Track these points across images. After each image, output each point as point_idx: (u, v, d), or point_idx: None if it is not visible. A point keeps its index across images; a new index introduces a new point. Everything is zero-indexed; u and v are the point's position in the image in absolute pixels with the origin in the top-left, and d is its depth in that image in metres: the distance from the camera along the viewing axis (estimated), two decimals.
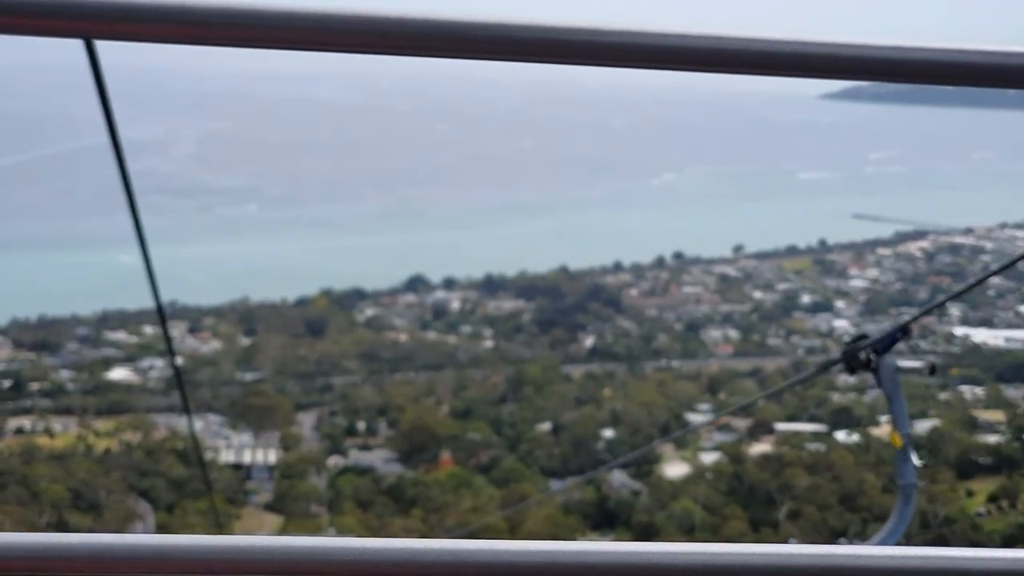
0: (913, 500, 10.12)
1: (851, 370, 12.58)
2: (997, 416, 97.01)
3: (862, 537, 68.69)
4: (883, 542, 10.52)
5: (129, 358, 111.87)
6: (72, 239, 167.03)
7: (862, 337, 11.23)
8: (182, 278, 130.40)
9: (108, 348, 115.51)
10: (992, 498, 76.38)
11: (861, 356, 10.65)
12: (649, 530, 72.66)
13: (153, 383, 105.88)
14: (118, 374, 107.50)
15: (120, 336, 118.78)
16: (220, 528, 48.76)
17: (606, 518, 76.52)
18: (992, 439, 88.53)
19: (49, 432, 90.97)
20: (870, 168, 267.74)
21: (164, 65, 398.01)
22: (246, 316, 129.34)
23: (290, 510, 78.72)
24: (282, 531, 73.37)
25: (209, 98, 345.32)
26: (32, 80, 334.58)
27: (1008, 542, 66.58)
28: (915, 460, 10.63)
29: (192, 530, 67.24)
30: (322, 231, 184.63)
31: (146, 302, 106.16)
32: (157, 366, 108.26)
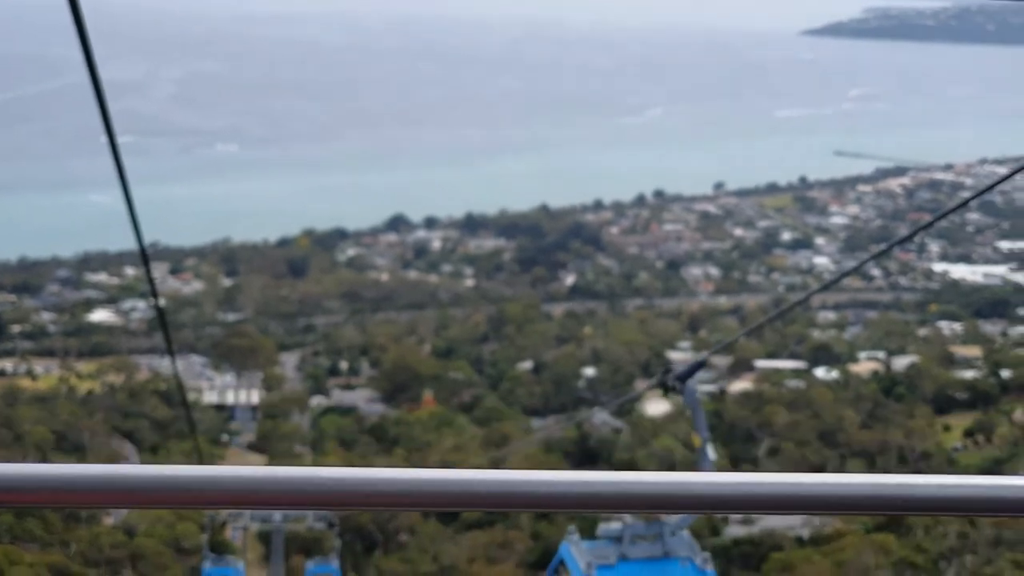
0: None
1: (665, 391, 14.44)
2: (974, 351, 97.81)
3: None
4: (682, 524, 11.14)
5: (111, 300, 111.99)
6: (53, 181, 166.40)
7: (668, 371, 12.56)
8: (163, 219, 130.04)
9: (89, 290, 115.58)
10: (968, 433, 77.23)
11: (669, 382, 11.83)
12: (631, 468, 73.28)
13: (135, 324, 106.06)
14: (100, 316, 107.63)
15: (101, 278, 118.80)
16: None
17: (587, 456, 77.06)
18: (969, 374, 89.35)
19: (32, 374, 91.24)
20: (850, 105, 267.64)
21: (145, 5, 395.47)
22: (228, 257, 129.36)
23: (273, 450, 79.17)
24: None
25: (191, 39, 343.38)
26: (11, 20, 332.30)
27: (983, 475, 67.24)
28: (711, 455, 11.31)
29: None
30: (304, 171, 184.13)
31: (127, 243, 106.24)
32: (139, 308, 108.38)
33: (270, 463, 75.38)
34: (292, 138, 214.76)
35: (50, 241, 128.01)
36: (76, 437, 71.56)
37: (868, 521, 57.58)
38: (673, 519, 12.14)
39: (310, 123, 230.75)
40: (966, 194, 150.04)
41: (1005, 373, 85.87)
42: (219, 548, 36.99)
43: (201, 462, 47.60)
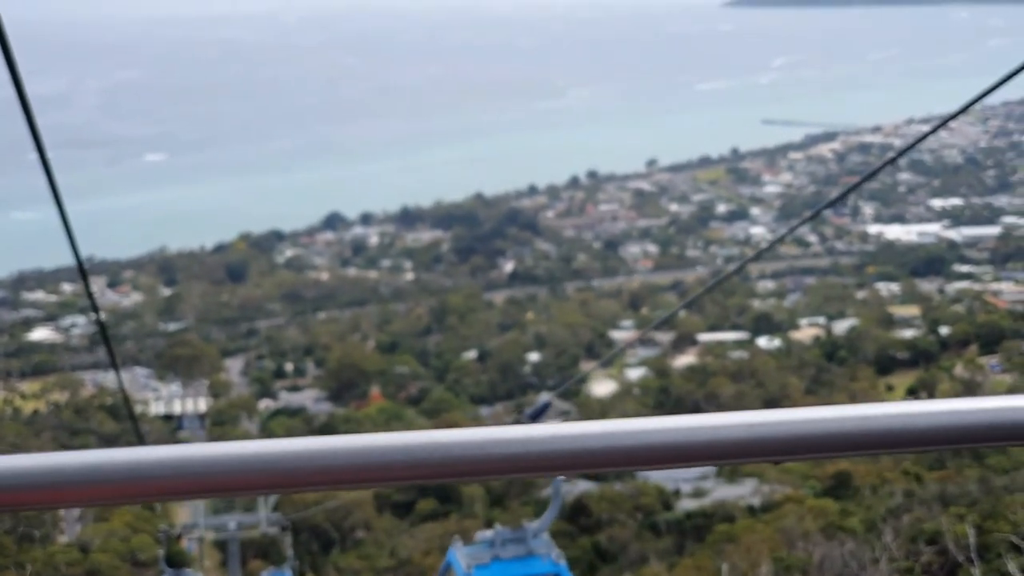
0: (561, 494, 11.76)
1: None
2: (912, 311, 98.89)
3: None
4: (540, 529, 12.26)
5: (50, 317, 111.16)
6: None
7: (522, 410, 13.66)
8: (97, 232, 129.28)
9: (28, 309, 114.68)
10: (911, 391, 78.02)
11: (522, 420, 12.67)
12: None
13: (76, 340, 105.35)
14: (40, 334, 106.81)
15: (39, 296, 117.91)
16: None
17: None
18: (908, 334, 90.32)
19: None
20: (775, 74, 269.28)
21: (61, 17, 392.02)
22: (165, 266, 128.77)
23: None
24: None
25: (111, 46, 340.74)
26: None
27: None
28: (560, 475, 12.13)
29: None
30: (236, 174, 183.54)
31: (62, 260, 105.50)
32: (79, 323, 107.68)
33: None
34: (221, 141, 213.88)
35: None
36: None
37: (817, 485, 58.23)
38: (534, 524, 13.69)
39: (238, 125, 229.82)
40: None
41: (944, 330, 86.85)
42: (175, 560, 37.01)
43: None
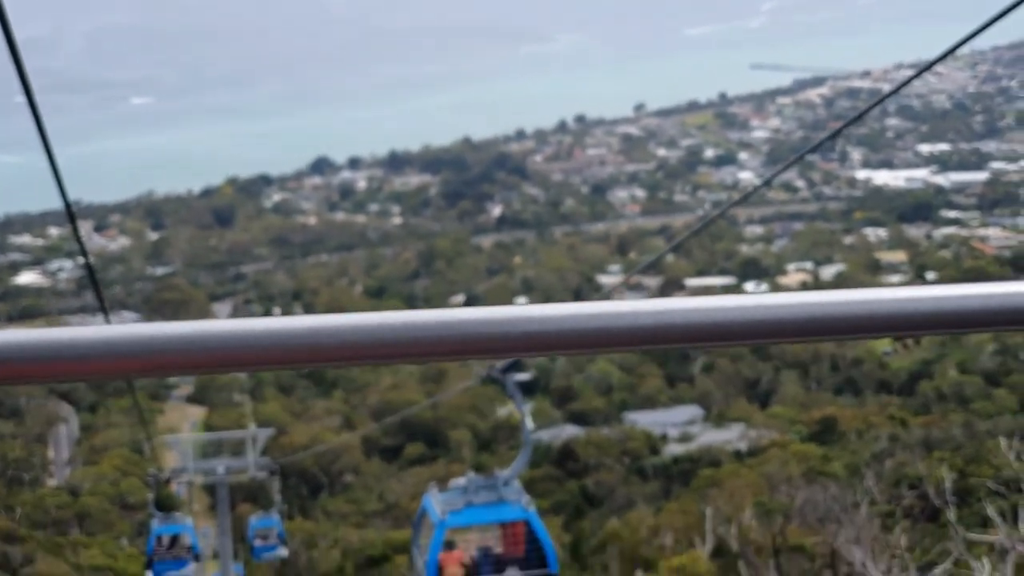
0: (531, 443, 12.60)
1: (493, 381, 16.66)
2: (899, 256, 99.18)
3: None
4: (510, 476, 13.05)
5: (36, 261, 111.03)
6: None
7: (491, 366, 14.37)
8: (84, 176, 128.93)
9: (14, 252, 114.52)
10: (897, 337, 78.23)
11: (493, 374, 13.64)
12: (567, 393, 74.08)
13: (63, 284, 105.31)
14: (27, 278, 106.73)
15: (25, 239, 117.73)
16: (145, 426, 49.35)
17: (525, 388, 77.59)
18: (895, 279, 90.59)
19: None
20: (764, 18, 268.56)
21: None
22: (152, 210, 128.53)
23: (213, 400, 79.13)
24: (206, 422, 74.01)
25: None
26: None
27: (913, 378, 68.57)
28: (529, 425, 12.97)
29: (117, 429, 67.74)
30: (224, 119, 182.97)
31: (48, 203, 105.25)
32: (66, 267, 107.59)
33: (209, 415, 75.48)
34: (208, 85, 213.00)
35: None
36: (13, 402, 71.19)
37: (803, 430, 58.57)
38: (505, 472, 14.36)
39: (225, 69, 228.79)
40: (885, 101, 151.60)
41: (930, 275, 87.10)
42: (165, 503, 37.24)
43: (142, 418, 47.66)
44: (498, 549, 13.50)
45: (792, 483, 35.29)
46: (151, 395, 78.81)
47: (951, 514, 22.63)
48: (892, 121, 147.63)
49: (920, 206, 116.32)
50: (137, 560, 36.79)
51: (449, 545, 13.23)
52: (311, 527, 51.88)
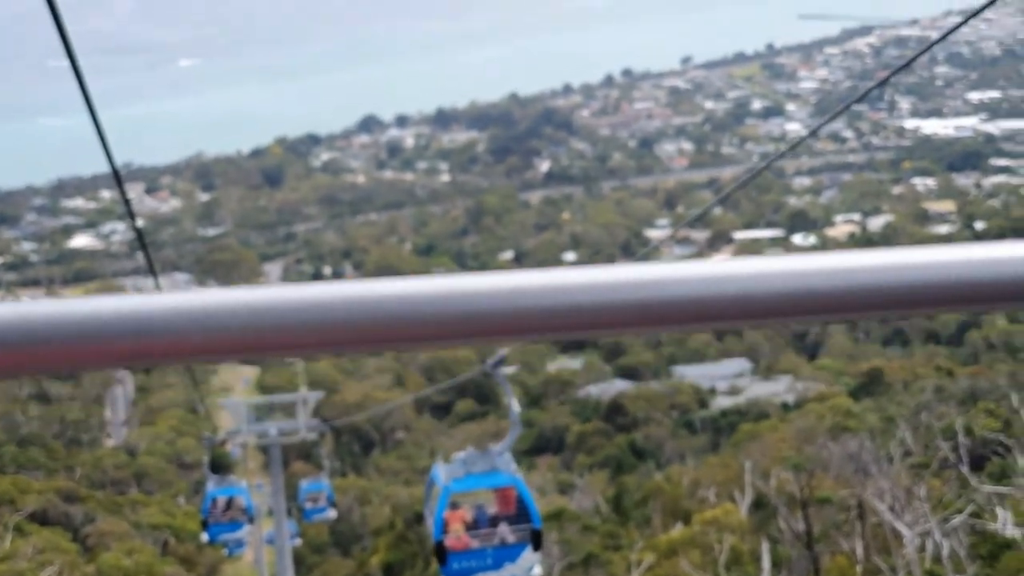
0: (519, 422, 13.76)
1: (485, 375, 18.39)
2: (948, 206, 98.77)
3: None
4: (502, 450, 14.47)
5: (89, 224, 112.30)
6: (14, 108, 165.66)
7: (484, 361, 15.69)
8: (134, 139, 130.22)
9: (67, 216, 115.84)
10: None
11: (486, 368, 14.87)
12: (617, 348, 74.59)
13: (116, 247, 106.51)
14: (80, 241, 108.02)
15: (78, 203, 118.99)
16: (196, 385, 50.24)
17: (573, 342, 78.02)
18: (943, 229, 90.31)
19: None
20: None
21: None
22: (203, 172, 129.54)
23: (264, 360, 79.94)
24: (259, 381, 74.99)
25: None
26: None
27: (961, 328, 68.59)
28: (516, 408, 14.15)
29: (172, 390, 68.77)
30: (270, 78, 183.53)
31: (99, 166, 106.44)
32: (119, 230, 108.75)
33: (262, 374, 76.44)
34: (256, 44, 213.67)
35: (12, 170, 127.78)
36: None
37: (851, 382, 58.75)
38: (497, 447, 15.40)
39: (272, 26, 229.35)
40: (934, 49, 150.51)
41: (979, 225, 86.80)
42: (219, 464, 38.01)
43: (194, 379, 48.45)
44: (492, 509, 15.03)
45: (830, 435, 35.60)
46: None
47: (988, 466, 22.93)
48: (941, 69, 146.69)
49: (969, 155, 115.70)
50: (194, 518, 37.54)
51: (453, 506, 14.70)
52: (364, 484, 52.68)
